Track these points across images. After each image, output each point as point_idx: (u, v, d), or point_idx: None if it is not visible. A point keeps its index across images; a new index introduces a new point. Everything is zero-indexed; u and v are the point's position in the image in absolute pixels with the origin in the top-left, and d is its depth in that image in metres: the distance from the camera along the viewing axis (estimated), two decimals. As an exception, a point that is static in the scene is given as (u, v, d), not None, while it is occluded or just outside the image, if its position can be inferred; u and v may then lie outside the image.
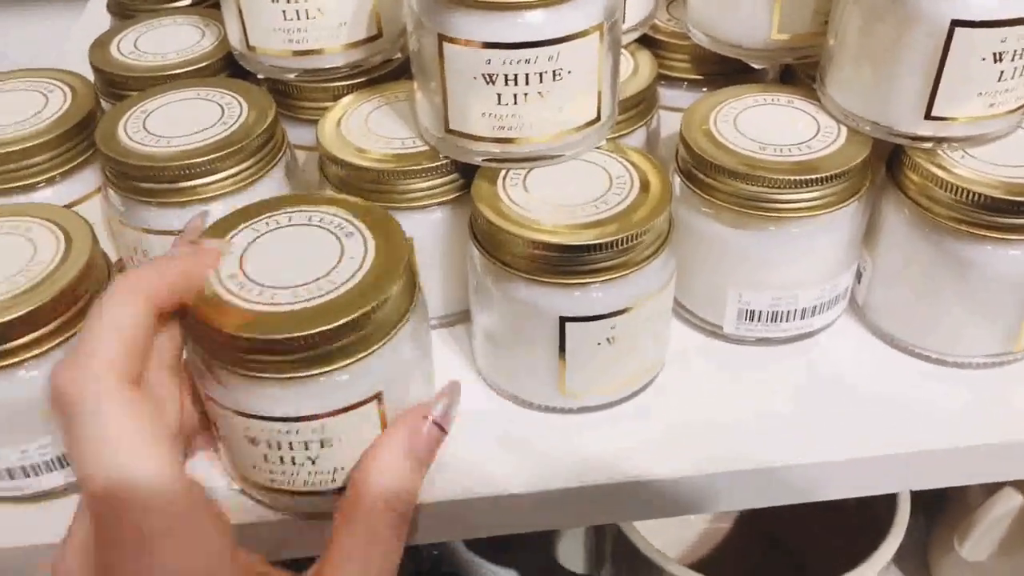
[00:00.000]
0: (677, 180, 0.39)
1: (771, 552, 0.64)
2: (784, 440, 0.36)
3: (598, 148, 0.37)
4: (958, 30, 0.33)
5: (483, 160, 0.36)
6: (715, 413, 0.37)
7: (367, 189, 0.38)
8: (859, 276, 0.41)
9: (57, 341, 0.33)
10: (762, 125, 0.39)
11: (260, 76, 0.44)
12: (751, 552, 0.64)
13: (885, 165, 0.39)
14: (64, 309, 0.33)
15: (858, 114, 0.38)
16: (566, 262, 0.33)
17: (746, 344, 0.40)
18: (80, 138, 0.42)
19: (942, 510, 0.62)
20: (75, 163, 0.42)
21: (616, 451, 0.36)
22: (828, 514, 0.57)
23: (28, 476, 0.34)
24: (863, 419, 0.37)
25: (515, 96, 0.34)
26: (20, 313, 0.32)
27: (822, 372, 0.39)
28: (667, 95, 0.46)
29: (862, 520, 0.54)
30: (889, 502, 0.54)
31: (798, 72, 0.44)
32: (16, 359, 0.32)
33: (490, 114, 0.35)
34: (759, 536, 0.64)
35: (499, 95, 0.34)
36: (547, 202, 0.35)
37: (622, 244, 0.33)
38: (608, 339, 0.35)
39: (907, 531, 0.56)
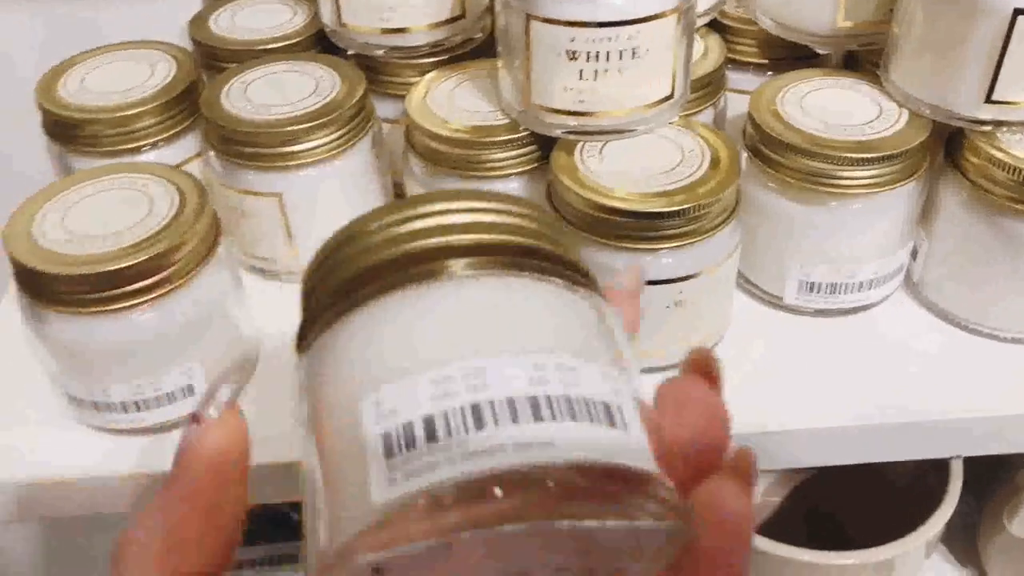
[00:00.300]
0: (744, 156, 0.41)
1: (819, 528, 0.65)
2: (840, 404, 0.38)
3: (671, 124, 0.40)
4: (1020, 18, 0.35)
5: (562, 132, 0.39)
6: (774, 377, 0.40)
7: (450, 158, 0.41)
8: (915, 254, 0.43)
9: (168, 288, 0.36)
10: (826, 106, 0.41)
11: (349, 52, 0.47)
12: (798, 527, 0.65)
13: (944, 147, 0.41)
14: (176, 259, 0.36)
15: (920, 98, 0.39)
16: (638, 228, 0.36)
17: (804, 315, 0.42)
18: (183, 106, 0.45)
19: (992, 495, 0.64)
20: (177, 129, 0.45)
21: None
22: (880, 490, 0.59)
23: (140, 410, 0.37)
24: (916, 386, 0.39)
25: (595, 72, 0.37)
26: (136, 261, 0.35)
27: (877, 343, 0.41)
28: (734, 79, 0.48)
29: (912, 497, 0.56)
30: (941, 477, 0.55)
31: (861, 58, 0.46)
32: (131, 303, 0.35)
33: (571, 89, 0.37)
34: (808, 512, 0.66)
35: (580, 71, 0.37)
36: (621, 172, 0.37)
37: (691, 213, 0.35)
38: (676, 303, 0.37)
39: (957, 515, 0.57)
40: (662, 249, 0.36)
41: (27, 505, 0.38)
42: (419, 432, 0.18)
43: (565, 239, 0.22)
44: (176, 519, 0.20)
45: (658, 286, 0.37)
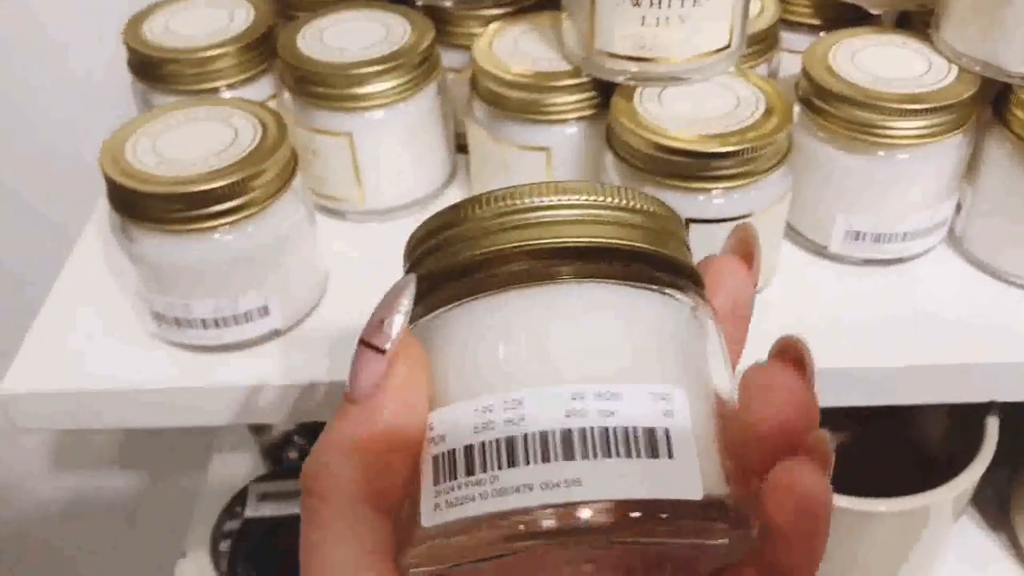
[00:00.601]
0: (796, 109, 0.42)
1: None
2: (879, 346, 0.40)
3: (727, 73, 0.41)
4: (1070, -25, 0.36)
5: (623, 78, 0.41)
6: (818, 321, 0.41)
7: (513, 102, 0.43)
8: (958, 208, 0.44)
9: (248, 213, 0.38)
10: (878, 62, 0.42)
11: (419, 2, 0.49)
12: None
13: (991, 103, 0.42)
14: (257, 185, 0.38)
15: (969, 55, 0.41)
16: (693, 168, 0.38)
17: (849, 263, 0.44)
18: (260, 50, 0.47)
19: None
20: (253, 72, 0.47)
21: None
22: (913, 460, 0.61)
23: (218, 327, 0.40)
24: (954, 333, 0.40)
25: (657, 19, 0.39)
26: (220, 184, 0.37)
27: (919, 291, 0.43)
28: (788, 39, 0.49)
29: (945, 468, 0.57)
30: (974, 444, 0.56)
31: (914, 19, 0.48)
32: (213, 224, 0.38)
33: (633, 35, 0.39)
34: (837, 479, 0.67)
35: (643, 17, 0.39)
36: (679, 116, 0.39)
37: (745, 154, 0.37)
38: (726, 242, 0.39)
39: (990, 486, 0.58)
40: (716, 189, 0.38)
41: (107, 415, 0.41)
42: (460, 463, 0.19)
43: (673, 233, 0.22)
44: (370, 445, 0.20)
45: (711, 225, 0.38)
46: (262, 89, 0.48)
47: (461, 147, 0.51)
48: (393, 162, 0.46)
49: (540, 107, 0.42)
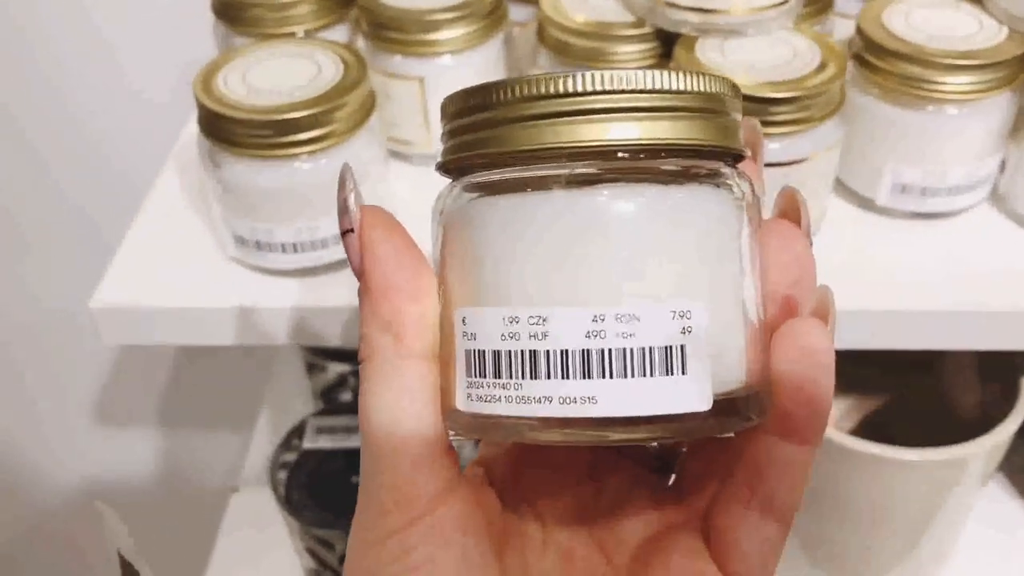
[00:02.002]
0: (850, 65, 0.44)
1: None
2: (921, 292, 0.42)
3: (786, 28, 0.43)
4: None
5: (686, 29, 0.43)
6: (863, 268, 0.43)
7: (578, 50, 0.45)
8: (1003, 167, 0.46)
9: (329, 143, 0.40)
10: (930, 22, 0.44)
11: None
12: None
13: (1039, 64, 0.44)
14: (338, 117, 0.40)
15: (1021, 17, 0.43)
16: (751, 113, 0.39)
17: (894, 216, 0.46)
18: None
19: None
20: (329, 19, 0.50)
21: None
22: (948, 425, 0.62)
23: (296, 252, 0.42)
24: (995, 283, 0.42)
25: (721, -29, 0.41)
26: (304, 114, 0.40)
27: (963, 244, 0.45)
28: (841, 4, 0.51)
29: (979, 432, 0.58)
30: (1008, 405, 0.58)
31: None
32: (296, 151, 0.40)
33: (697, -13, 0.41)
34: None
35: (707, -30, 0.41)
36: (739, 64, 0.41)
37: (801, 100, 0.39)
38: (781, 187, 0.41)
39: (1018, 453, 0.60)
40: (772, 135, 0.40)
41: (189, 332, 0.43)
42: (489, 364, 0.21)
43: (719, 111, 0.22)
44: (382, 307, 0.23)
45: (766, 169, 0.40)
46: (338, 35, 0.50)
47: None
48: (460, 107, 0.48)
49: (604, 56, 0.45)
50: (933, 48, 0.42)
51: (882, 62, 0.43)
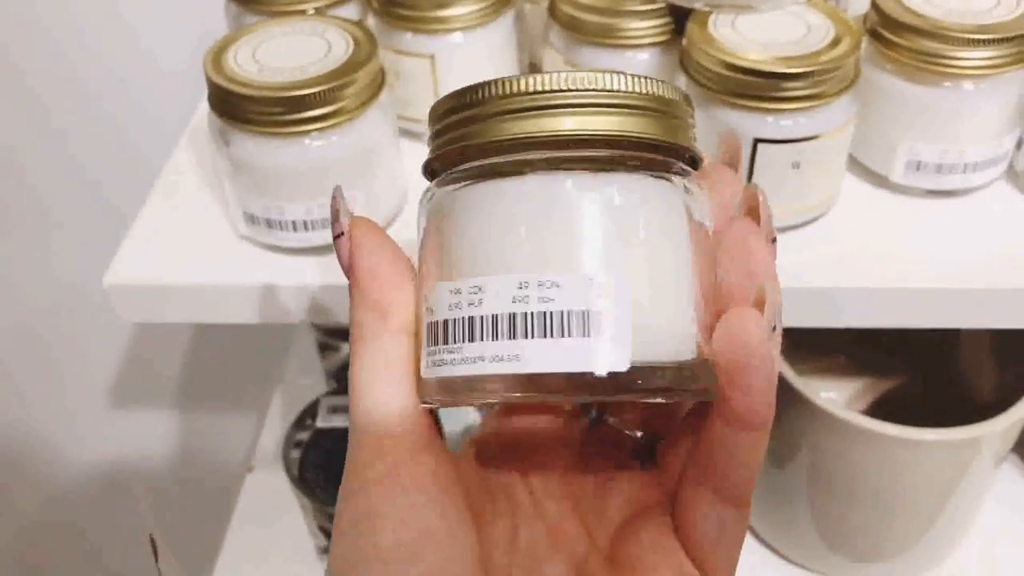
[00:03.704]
0: (865, 41, 0.44)
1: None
2: (935, 269, 0.41)
3: (799, 3, 0.43)
4: None
5: (699, 5, 0.42)
6: (875, 245, 0.43)
7: (590, 27, 0.44)
8: (1019, 144, 0.45)
9: (339, 120, 0.40)
10: (947, -4, 0.43)
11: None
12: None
13: (1058, 39, 0.43)
14: (348, 94, 0.40)
15: (1038, -10, 0.42)
16: (764, 89, 0.39)
17: (909, 194, 0.45)
18: (347, -25, 0.50)
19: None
20: (340, -3, 0.50)
21: (795, 264, 0.42)
22: (962, 407, 0.62)
23: (307, 230, 0.42)
24: (1010, 260, 0.42)
25: (734, -54, 0.40)
26: (314, 90, 0.39)
27: (978, 221, 0.44)
28: (856, -22, 0.51)
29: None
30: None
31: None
32: (306, 128, 0.40)
33: (710, -38, 0.41)
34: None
35: (721, -57, 0.40)
36: (751, 40, 0.41)
37: (814, 76, 0.39)
38: (794, 164, 0.41)
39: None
40: (785, 110, 0.40)
41: (201, 309, 0.44)
42: (439, 333, 0.24)
43: (670, 114, 0.25)
44: (366, 298, 0.26)
45: (779, 145, 0.40)
46: (348, 12, 0.50)
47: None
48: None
49: (615, 32, 0.44)
50: (950, 23, 0.41)
51: (898, 37, 0.42)
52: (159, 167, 0.49)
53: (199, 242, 0.45)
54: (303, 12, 0.49)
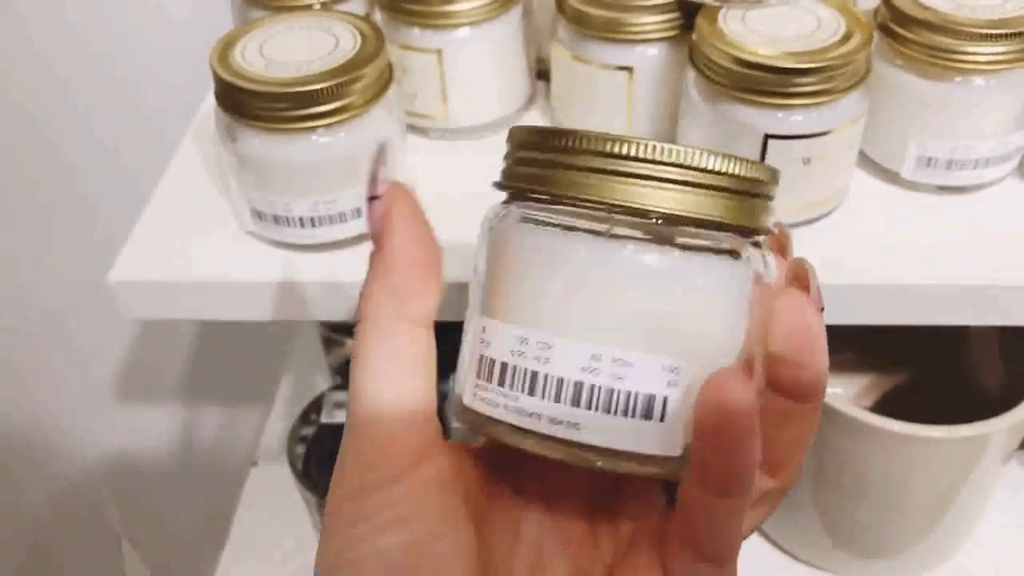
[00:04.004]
0: (876, 36, 0.43)
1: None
2: (948, 266, 0.41)
3: (809, -3, 0.43)
4: None
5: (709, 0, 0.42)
6: (889, 242, 0.43)
7: (598, 21, 0.44)
8: (1031, 140, 0.45)
9: (346, 116, 0.40)
10: (958, -9, 0.43)
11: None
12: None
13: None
14: (355, 90, 0.40)
15: (1051, -15, 0.42)
16: (774, 84, 0.39)
17: (919, 190, 0.45)
18: (352, -30, 0.49)
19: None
20: (346, -9, 0.50)
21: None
22: (971, 403, 0.62)
23: (315, 226, 0.42)
24: (1021, 255, 0.42)
25: (744, -60, 0.40)
26: (321, 86, 0.39)
27: (989, 218, 0.44)
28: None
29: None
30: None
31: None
32: (313, 124, 0.40)
33: (720, -44, 0.41)
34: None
35: (731, -62, 0.40)
36: (761, 35, 0.40)
37: (825, 71, 0.39)
38: (804, 160, 0.40)
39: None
40: (796, 106, 0.39)
41: (207, 306, 0.43)
42: (496, 373, 0.24)
43: (758, 195, 0.24)
44: (392, 272, 0.25)
45: (789, 141, 0.40)
46: (355, 7, 0.50)
47: (540, 74, 0.53)
48: (478, 79, 0.48)
49: (624, 27, 0.44)
50: (962, 17, 0.41)
51: (909, 32, 0.42)
52: (165, 163, 0.49)
53: (205, 238, 0.44)
54: (310, 7, 0.49)
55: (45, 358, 0.87)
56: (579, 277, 0.23)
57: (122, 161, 0.72)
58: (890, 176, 0.46)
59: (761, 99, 0.39)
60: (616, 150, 0.23)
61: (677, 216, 0.23)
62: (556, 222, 0.24)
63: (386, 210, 0.25)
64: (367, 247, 0.43)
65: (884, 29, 0.43)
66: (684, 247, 0.24)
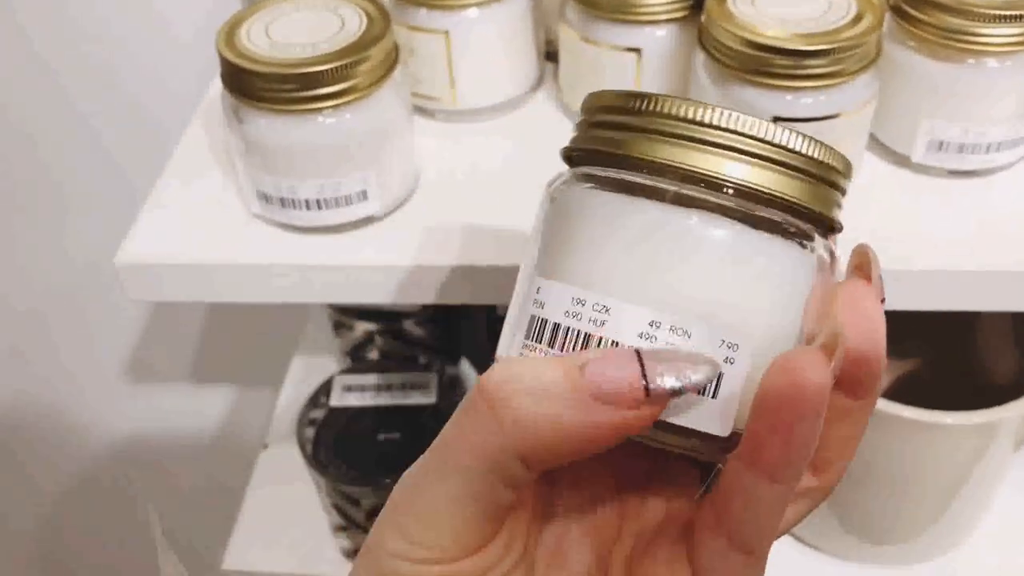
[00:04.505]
0: (887, 18, 0.43)
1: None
2: (960, 251, 0.41)
3: (819, -22, 0.42)
4: None
5: (717, -21, 0.42)
6: (900, 227, 0.42)
7: (606, 2, 0.44)
8: (1045, 123, 0.44)
9: (352, 97, 0.40)
10: (972, -29, 0.42)
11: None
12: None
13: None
14: (361, 71, 0.40)
15: (1066, -35, 0.41)
16: (783, 66, 0.39)
17: (930, 174, 0.45)
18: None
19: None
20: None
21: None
22: (982, 389, 0.61)
23: (320, 209, 0.42)
24: (1034, 241, 0.41)
25: (754, -80, 0.39)
26: (325, 68, 0.39)
27: (1000, 201, 0.43)
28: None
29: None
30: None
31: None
32: (319, 106, 0.40)
33: (729, -64, 0.40)
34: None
35: (740, -83, 0.39)
36: (771, 17, 0.40)
37: (835, 53, 0.38)
38: (812, 142, 0.40)
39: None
40: (805, 88, 0.39)
41: (212, 288, 0.43)
42: (547, 333, 0.23)
43: (831, 182, 0.24)
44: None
45: (798, 124, 0.40)
46: (361, -11, 0.50)
47: (549, 55, 0.53)
48: (486, 61, 0.48)
49: (632, 7, 0.44)
50: (974, -1, 0.40)
51: (921, 13, 0.41)
52: (173, 145, 0.49)
53: (212, 221, 0.44)
54: (316, -12, 0.48)
55: (56, 340, 0.88)
56: (643, 241, 0.23)
57: (133, 142, 0.72)
58: (900, 160, 0.45)
59: (770, 81, 0.39)
60: (694, 116, 0.23)
61: (750, 190, 0.23)
62: (624, 186, 0.24)
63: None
64: (370, 232, 0.43)
65: (896, 10, 0.42)
66: (753, 224, 0.23)
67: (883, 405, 0.51)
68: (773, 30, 0.39)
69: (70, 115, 0.71)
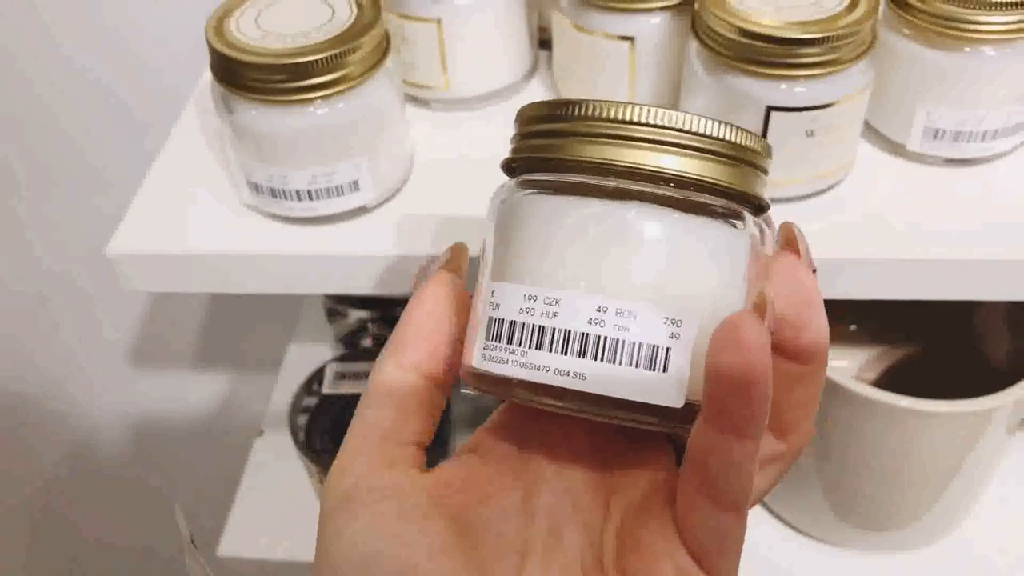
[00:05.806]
0: (883, 5, 0.42)
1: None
2: (956, 239, 0.41)
3: (815, -36, 0.42)
4: None
5: (712, -34, 0.41)
6: (891, 215, 0.42)
7: (603, -10, 0.43)
8: (1042, 111, 0.44)
9: (343, 87, 0.40)
10: (969, -42, 0.42)
11: None
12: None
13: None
14: (352, 61, 0.39)
15: (1064, -48, 0.41)
16: (777, 55, 0.38)
17: (927, 163, 0.44)
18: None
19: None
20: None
21: (808, 233, 0.41)
22: (977, 376, 0.61)
23: (312, 199, 0.42)
24: (1029, 230, 0.41)
25: (749, -94, 0.39)
26: (316, 57, 0.38)
27: (997, 190, 0.43)
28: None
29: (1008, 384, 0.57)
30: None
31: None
32: (310, 96, 0.39)
33: (723, -77, 0.40)
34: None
35: (735, -96, 0.39)
36: (765, 4, 0.40)
37: (830, 41, 0.38)
38: (808, 132, 0.40)
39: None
40: (800, 77, 0.39)
41: (205, 279, 0.43)
42: (505, 331, 0.25)
43: (752, 163, 0.26)
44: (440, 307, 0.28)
45: (793, 113, 0.39)
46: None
47: (542, 43, 0.52)
48: (479, 48, 0.47)
49: (629, -5, 0.43)
50: (971, -15, 0.40)
51: (917, 0, 0.41)
52: (165, 135, 0.49)
53: (203, 212, 0.44)
54: (307, -25, 0.48)
55: (56, 325, 0.87)
56: (584, 234, 0.25)
57: (134, 127, 0.72)
58: (896, 148, 0.45)
59: (764, 70, 0.39)
60: (619, 115, 0.25)
61: (681, 178, 0.25)
62: (562, 187, 0.25)
63: (415, 296, 0.29)
64: (362, 222, 0.43)
65: (892, -2, 0.42)
66: (686, 209, 0.25)
67: (877, 394, 0.51)
68: (767, 18, 0.39)
69: (67, 103, 0.71)
